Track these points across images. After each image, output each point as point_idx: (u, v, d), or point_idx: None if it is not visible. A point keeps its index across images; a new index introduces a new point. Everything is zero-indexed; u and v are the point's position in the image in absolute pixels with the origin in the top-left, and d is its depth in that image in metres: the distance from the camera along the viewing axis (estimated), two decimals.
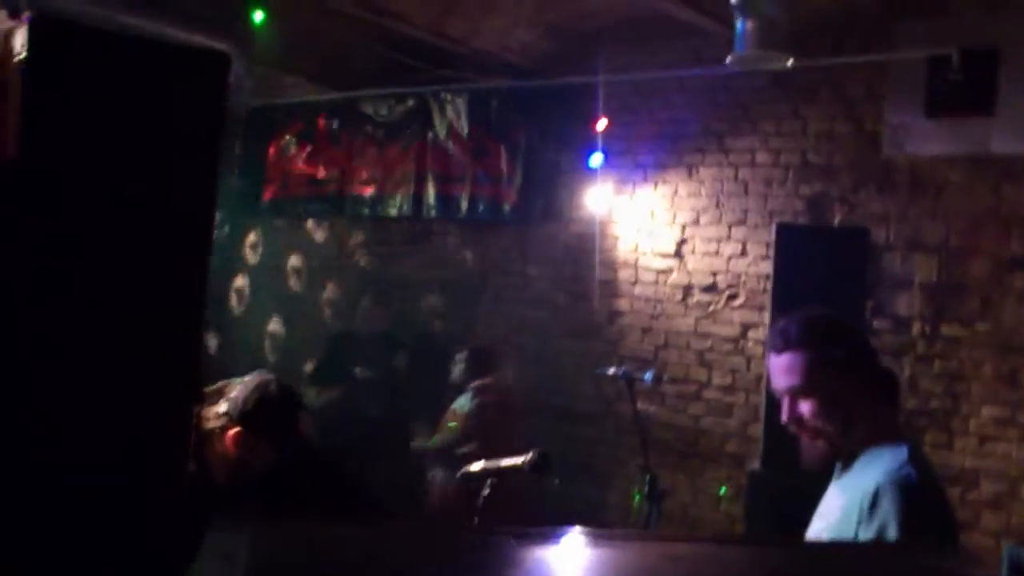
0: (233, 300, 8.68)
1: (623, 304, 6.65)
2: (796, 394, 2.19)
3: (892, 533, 1.98)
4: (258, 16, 4.48)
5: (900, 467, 2.08)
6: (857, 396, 2.18)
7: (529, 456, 2.57)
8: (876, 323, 5.58)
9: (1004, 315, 5.27)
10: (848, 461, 2.21)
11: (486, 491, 2.50)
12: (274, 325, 8.39)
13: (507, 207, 6.90)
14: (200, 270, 1.58)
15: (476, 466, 2.55)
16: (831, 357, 2.19)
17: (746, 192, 6.18)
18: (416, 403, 6.94)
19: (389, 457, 6.64)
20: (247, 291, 8.63)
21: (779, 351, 2.23)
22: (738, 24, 4.30)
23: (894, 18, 5.58)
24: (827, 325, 2.28)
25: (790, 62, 4.53)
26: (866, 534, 2.00)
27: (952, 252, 5.45)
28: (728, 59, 4.50)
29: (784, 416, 2.21)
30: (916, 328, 5.51)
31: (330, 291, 8.08)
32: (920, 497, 2.07)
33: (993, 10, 5.29)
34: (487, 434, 5.59)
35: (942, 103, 5.46)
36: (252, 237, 8.57)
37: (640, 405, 6.38)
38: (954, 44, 5.25)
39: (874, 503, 2.02)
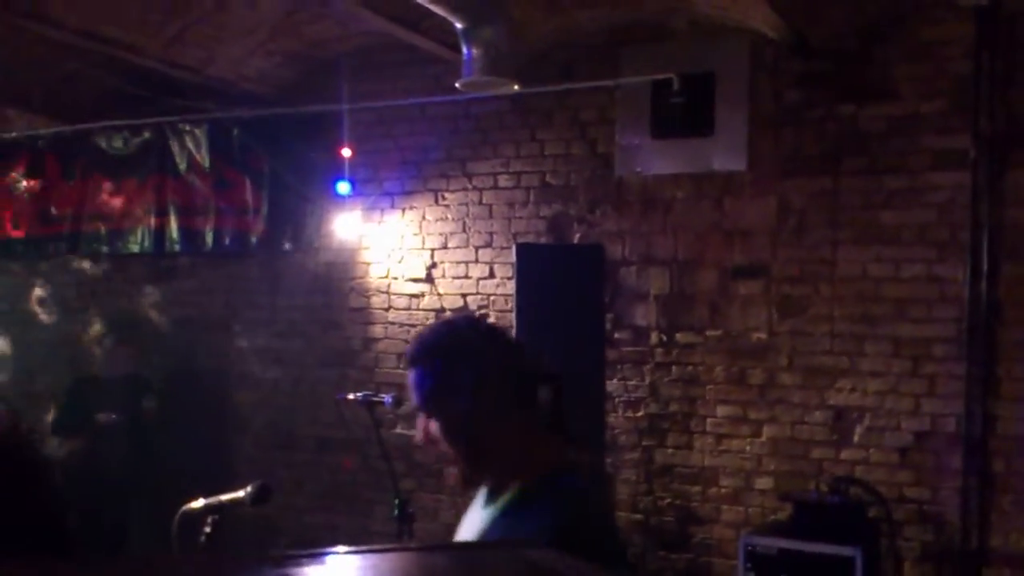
0: None
1: (377, 331, 6.65)
2: (421, 413, 1.93)
3: None
4: None
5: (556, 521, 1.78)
6: (489, 423, 1.89)
7: (250, 489, 2.52)
8: (617, 335, 5.83)
9: (730, 321, 5.63)
10: (495, 493, 1.94)
11: (207, 528, 2.43)
12: (6, 374, 7.85)
13: (254, 238, 6.76)
14: None
15: (196, 503, 2.47)
16: (451, 377, 1.89)
17: (491, 215, 6.32)
18: (171, 446, 6.67)
19: (138, 503, 6.35)
20: None
21: (408, 364, 1.98)
22: (464, 51, 4.41)
23: (619, 45, 5.88)
24: (456, 339, 1.95)
25: (516, 87, 4.68)
26: None
27: (682, 264, 5.77)
28: (457, 84, 4.60)
29: (417, 435, 1.97)
30: (654, 337, 5.80)
31: (71, 333, 7.63)
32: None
33: (709, 36, 5.66)
34: None
35: (666, 125, 5.79)
36: None
37: (401, 429, 6.43)
38: (674, 69, 5.58)
39: None
